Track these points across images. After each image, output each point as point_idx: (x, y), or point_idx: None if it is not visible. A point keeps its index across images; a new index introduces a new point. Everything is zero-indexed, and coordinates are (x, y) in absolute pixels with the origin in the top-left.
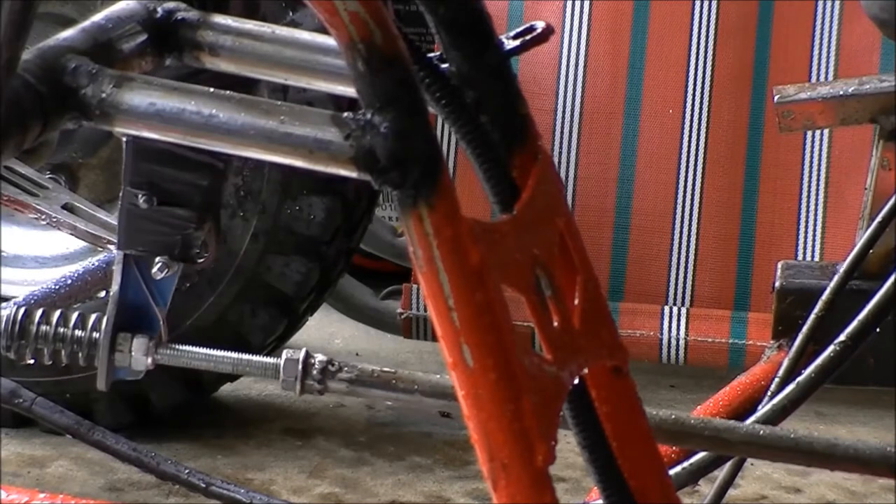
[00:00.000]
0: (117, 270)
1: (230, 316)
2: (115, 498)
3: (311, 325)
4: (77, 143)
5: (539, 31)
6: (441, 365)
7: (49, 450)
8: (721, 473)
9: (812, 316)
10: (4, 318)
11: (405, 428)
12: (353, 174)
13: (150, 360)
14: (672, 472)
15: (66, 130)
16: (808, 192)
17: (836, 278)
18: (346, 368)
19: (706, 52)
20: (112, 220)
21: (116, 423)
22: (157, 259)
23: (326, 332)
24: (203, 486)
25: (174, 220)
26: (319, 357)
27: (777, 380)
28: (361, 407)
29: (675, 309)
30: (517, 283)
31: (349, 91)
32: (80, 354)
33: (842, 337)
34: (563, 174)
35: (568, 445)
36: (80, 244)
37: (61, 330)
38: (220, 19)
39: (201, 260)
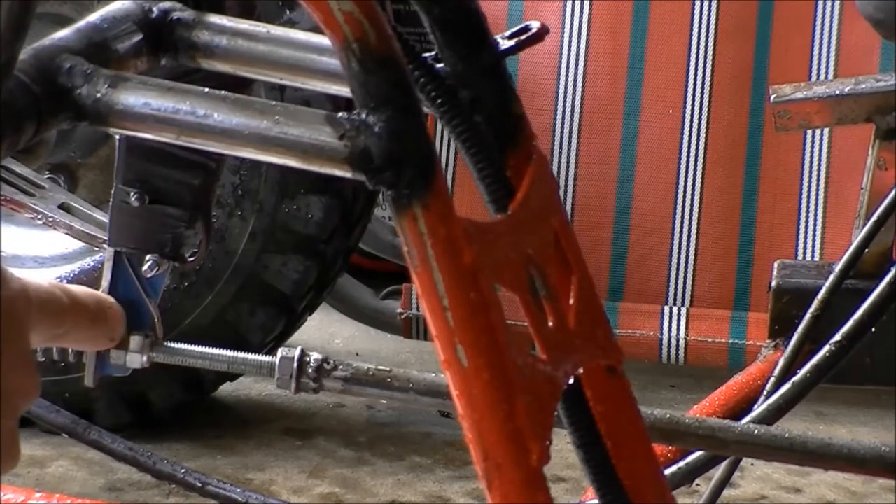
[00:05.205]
0: (107, 267)
1: (228, 315)
2: (114, 498)
3: (311, 325)
4: (76, 143)
5: (534, 31)
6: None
7: (49, 450)
8: (717, 473)
9: (808, 315)
10: None
11: (405, 428)
12: (348, 174)
13: (145, 357)
14: (667, 471)
15: (65, 130)
16: (808, 192)
17: (831, 278)
18: (341, 367)
19: (706, 52)
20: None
21: (116, 424)
22: (148, 257)
23: (326, 332)
24: (199, 485)
25: (165, 219)
26: (315, 355)
27: (773, 379)
28: (361, 407)
29: (675, 309)
30: (512, 283)
31: (344, 91)
32: (69, 350)
33: (837, 337)
34: (563, 174)
35: (568, 445)
36: (78, 244)
37: None
38: (216, 19)
39: (192, 259)
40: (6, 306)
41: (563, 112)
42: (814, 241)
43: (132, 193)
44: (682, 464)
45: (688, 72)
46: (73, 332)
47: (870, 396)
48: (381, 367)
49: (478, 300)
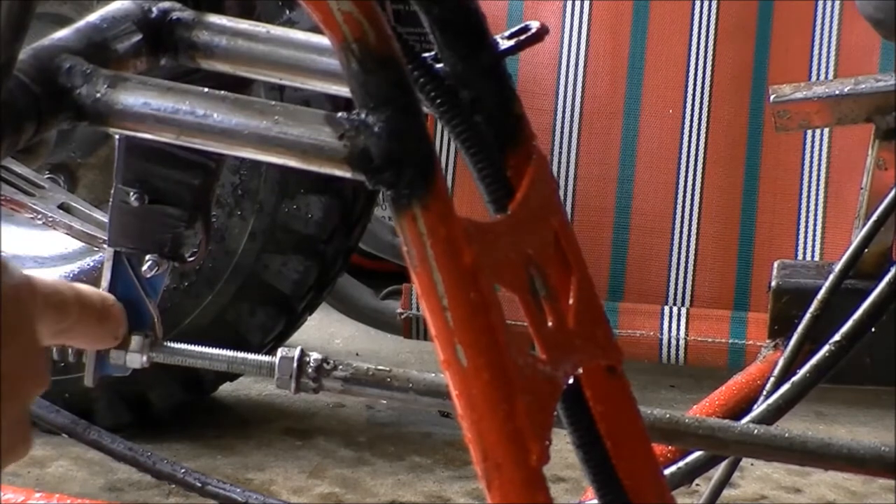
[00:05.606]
0: (107, 267)
1: (228, 315)
2: (115, 498)
3: (311, 326)
4: (76, 143)
5: (533, 30)
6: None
7: (49, 450)
8: (717, 473)
9: (808, 315)
10: None
11: (405, 428)
12: (348, 174)
13: (144, 357)
14: (667, 471)
15: (65, 130)
16: (808, 192)
17: (831, 278)
18: (340, 367)
19: (706, 52)
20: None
21: (116, 424)
22: (147, 257)
23: (326, 332)
24: (199, 485)
25: (165, 219)
26: (314, 355)
27: (772, 379)
28: (361, 407)
29: (675, 309)
30: (511, 283)
31: (344, 91)
32: (69, 350)
33: (837, 337)
34: (563, 174)
35: (567, 445)
36: (78, 244)
37: None
38: (215, 19)
39: (191, 259)
40: (11, 293)
41: (563, 112)
42: (814, 241)
43: (132, 193)
44: (681, 464)
45: (688, 72)
46: (79, 328)
47: (870, 396)
48: (380, 367)
49: (478, 300)
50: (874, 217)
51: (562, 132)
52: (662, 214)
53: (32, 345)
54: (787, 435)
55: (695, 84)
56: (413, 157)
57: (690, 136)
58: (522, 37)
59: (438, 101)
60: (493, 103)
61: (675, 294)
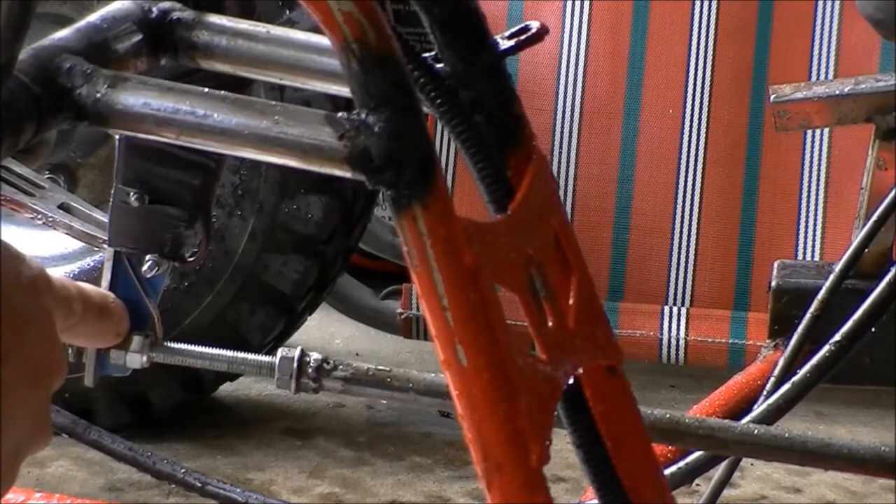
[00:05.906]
0: (107, 267)
1: (228, 315)
2: (115, 498)
3: (311, 326)
4: (76, 143)
5: (533, 31)
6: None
7: (49, 450)
8: (717, 473)
9: (808, 315)
10: None
11: (405, 428)
12: (348, 174)
13: (144, 357)
14: (667, 471)
15: (65, 130)
16: (808, 192)
17: (831, 278)
18: (340, 367)
19: (706, 52)
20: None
21: (116, 424)
22: (147, 257)
23: (326, 332)
24: (199, 485)
25: (165, 219)
26: (315, 355)
27: (773, 379)
28: (361, 407)
29: (675, 309)
30: (511, 283)
31: (344, 91)
32: (69, 350)
33: (837, 336)
34: (563, 174)
35: (568, 445)
36: (78, 244)
37: None
38: (215, 19)
39: (192, 259)
40: (29, 283)
41: (563, 112)
42: (814, 241)
43: (132, 193)
44: (682, 464)
45: (688, 72)
46: (83, 325)
47: (870, 396)
48: (381, 367)
49: (478, 300)
50: (874, 217)
51: (562, 132)
52: (662, 214)
53: (50, 334)
54: (787, 435)
55: (695, 84)
56: (413, 157)
57: (690, 136)
58: (522, 37)
59: (438, 101)
60: (493, 103)
61: (675, 294)
